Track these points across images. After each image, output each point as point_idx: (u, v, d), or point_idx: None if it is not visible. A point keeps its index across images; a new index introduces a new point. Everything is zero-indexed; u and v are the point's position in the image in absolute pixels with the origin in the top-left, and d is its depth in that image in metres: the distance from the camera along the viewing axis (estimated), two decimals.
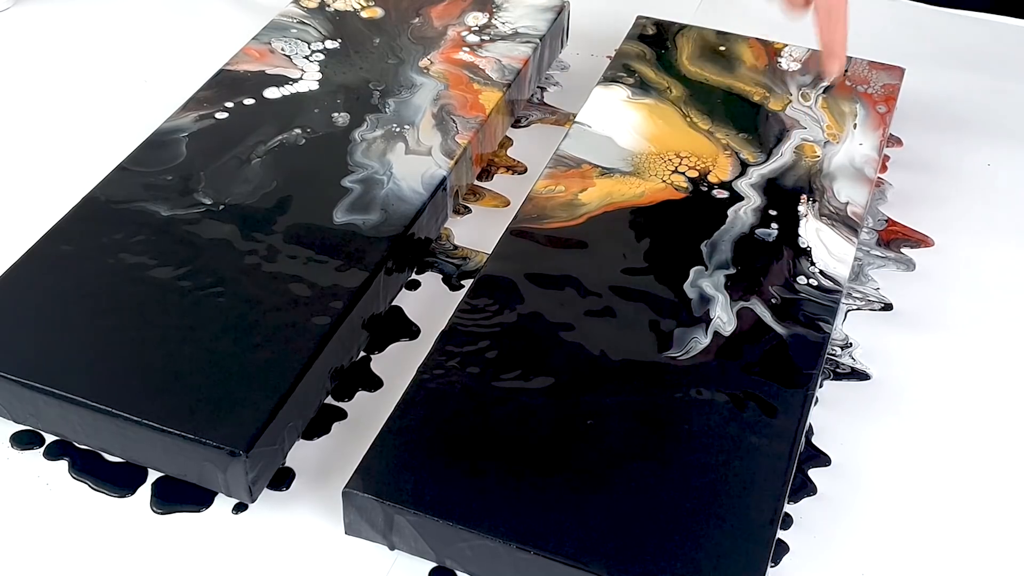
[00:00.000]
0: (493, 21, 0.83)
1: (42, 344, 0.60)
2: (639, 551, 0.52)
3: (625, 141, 0.74)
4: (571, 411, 0.58)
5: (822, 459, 0.60)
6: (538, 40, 0.81)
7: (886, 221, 0.74)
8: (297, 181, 0.70)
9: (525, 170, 0.78)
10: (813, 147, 0.74)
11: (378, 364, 0.65)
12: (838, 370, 0.65)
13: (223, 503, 0.57)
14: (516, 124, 0.81)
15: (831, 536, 0.57)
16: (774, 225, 0.68)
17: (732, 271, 0.65)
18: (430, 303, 0.68)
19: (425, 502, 0.53)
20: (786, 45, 0.82)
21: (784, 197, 0.70)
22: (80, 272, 0.63)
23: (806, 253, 0.67)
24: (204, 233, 0.66)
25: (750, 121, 0.76)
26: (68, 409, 0.57)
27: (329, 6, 0.84)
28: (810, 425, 0.61)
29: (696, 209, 0.69)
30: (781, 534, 0.56)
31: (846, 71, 0.79)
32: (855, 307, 0.68)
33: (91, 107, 0.82)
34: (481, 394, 0.58)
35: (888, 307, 0.69)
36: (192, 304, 0.62)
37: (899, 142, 0.80)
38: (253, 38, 0.81)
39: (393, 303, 0.68)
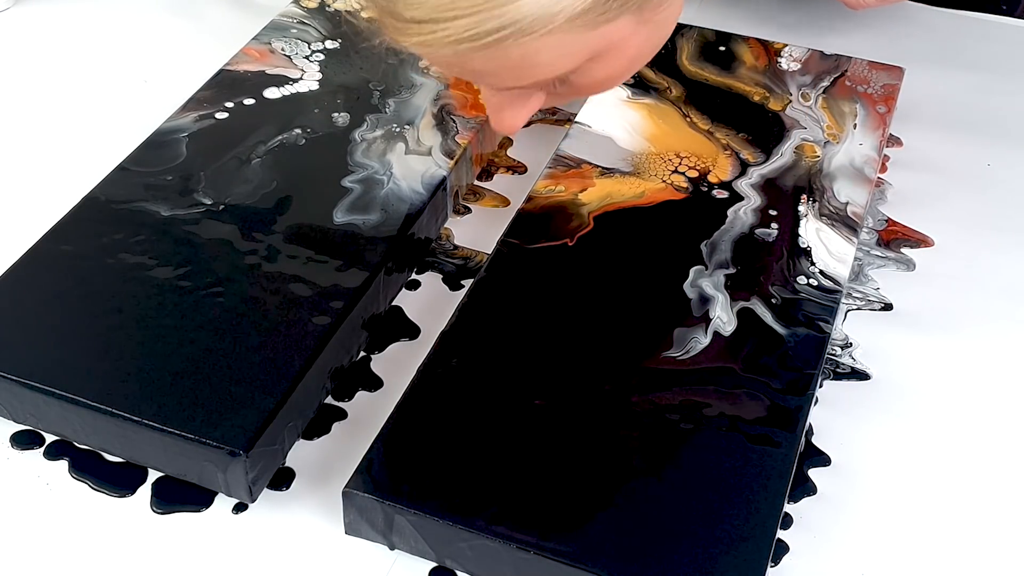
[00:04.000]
0: None
1: (42, 344, 0.60)
2: (639, 551, 0.52)
3: (625, 141, 0.74)
4: (571, 411, 0.58)
5: (822, 459, 0.60)
6: None
7: (886, 221, 0.74)
8: (297, 181, 0.70)
9: (525, 170, 0.78)
10: (813, 147, 0.74)
11: (378, 364, 0.65)
12: (838, 370, 0.65)
13: (223, 503, 0.57)
14: None
15: (831, 536, 0.57)
16: (774, 225, 0.68)
17: (732, 271, 0.65)
18: (430, 303, 0.68)
19: (425, 502, 0.53)
20: (786, 45, 0.82)
21: (784, 197, 0.70)
22: (80, 272, 0.63)
23: (806, 253, 0.67)
24: (204, 233, 0.66)
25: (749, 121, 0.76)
26: (68, 409, 0.57)
27: (329, 6, 0.84)
28: (810, 425, 0.61)
29: (696, 209, 0.69)
30: (781, 534, 0.56)
31: (846, 72, 0.80)
32: (855, 307, 0.68)
33: (91, 107, 0.82)
34: (481, 394, 0.58)
35: (888, 307, 0.69)
36: (192, 304, 0.62)
37: (899, 142, 0.80)
38: (253, 38, 0.81)
39: (393, 303, 0.68)
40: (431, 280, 0.70)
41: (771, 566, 0.55)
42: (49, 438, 0.60)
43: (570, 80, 0.56)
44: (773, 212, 0.69)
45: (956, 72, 0.86)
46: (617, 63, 0.57)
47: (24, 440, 0.60)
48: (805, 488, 0.59)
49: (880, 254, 0.72)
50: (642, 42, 0.57)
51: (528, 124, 0.81)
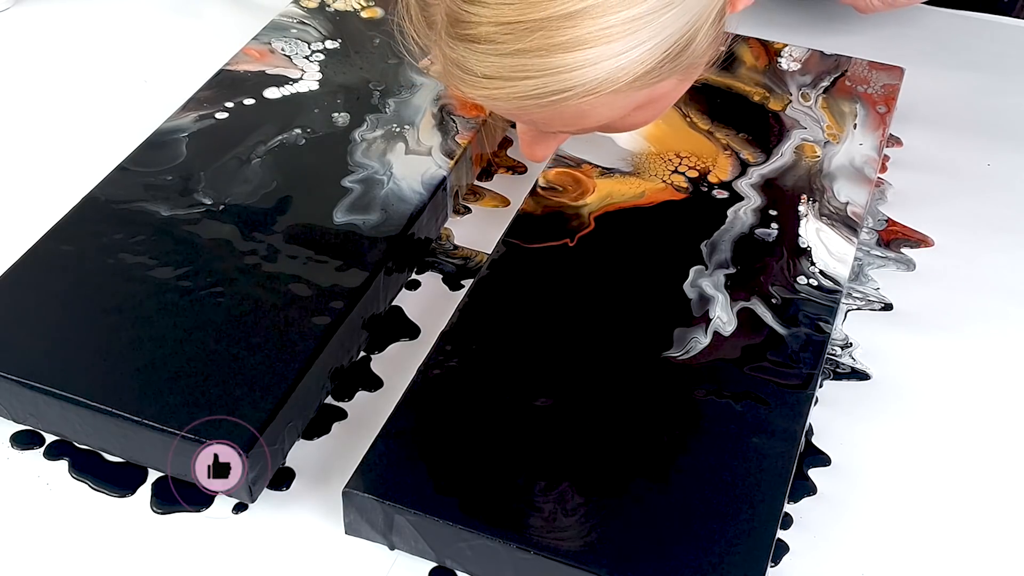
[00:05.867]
0: None
1: (42, 344, 0.60)
2: (639, 551, 0.52)
3: (625, 141, 0.74)
4: (571, 411, 0.58)
5: (822, 459, 0.60)
6: None
7: (886, 221, 0.74)
8: (297, 181, 0.70)
9: (525, 170, 0.78)
10: (813, 147, 0.74)
11: (378, 364, 0.65)
12: (838, 370, 0.65)
13: (223, 503, 0.57)
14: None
15: (831, 536, 0.57)
16: (774, 225, 0.68)
17: (732, 271, 0.65)
18: (430, 303, 0.68)
19: (425, 502, 0.53)
20: (786, 45, 0.82)
21: (784, 197, 0.70)
22: (80, 272, 0.63)
23: (806, 253, 0.67)
24: (204, 233, 0.66)
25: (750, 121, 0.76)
26: (68, 409, 0.57)
27: (329, 6, 0.84)
28: (810, 425, 0.61)
29: (696, 209, 0.69)
30: (781, 534, 0.56)
31: (846, 72, 0.80)
32: (855, 307, 0.68)
33: (91, 107, 0.82)
34: (481, 394, 0.58)
35: (888, 307, 0.69)
36: (192, 304, 0.62)
37: (899, 142, 0.80)
38: (253, 38, 0.81)
39: (393, 303, 0.68)
40: (431, 280, 0.70)
41: (771, 566, 0.55)
42: (49, 438, 0.60)
43: (610, 124, 0.59)
44: (773, 212, 0.69)
45: (956, 72, 0.86)
46: (655, 110, 0.61)
47: (24, 440, 0.60)
48: (805, 488, 0.59)
49: (880, 254, 0.72)
50: (679, 92, 0.61)
51: None
